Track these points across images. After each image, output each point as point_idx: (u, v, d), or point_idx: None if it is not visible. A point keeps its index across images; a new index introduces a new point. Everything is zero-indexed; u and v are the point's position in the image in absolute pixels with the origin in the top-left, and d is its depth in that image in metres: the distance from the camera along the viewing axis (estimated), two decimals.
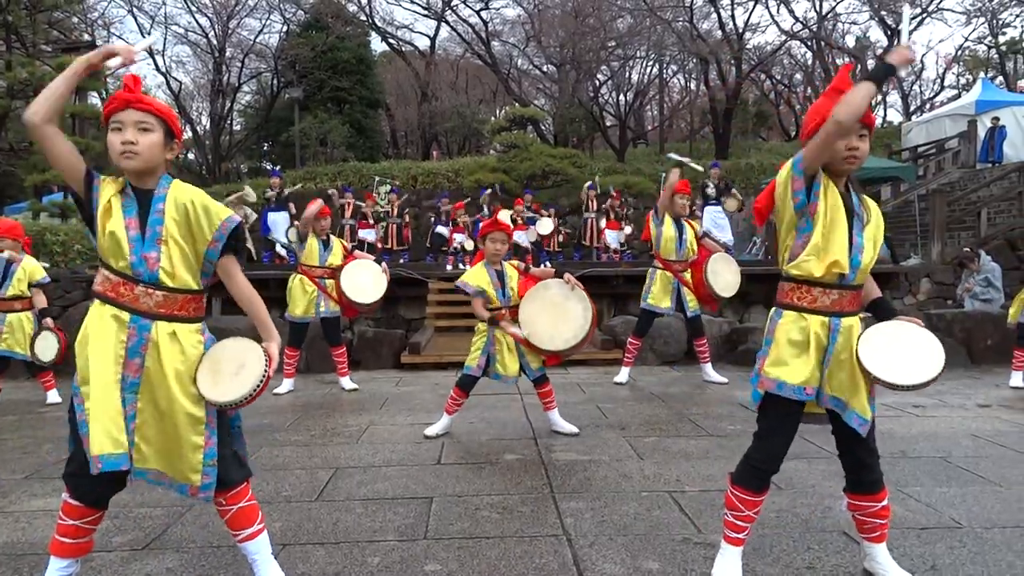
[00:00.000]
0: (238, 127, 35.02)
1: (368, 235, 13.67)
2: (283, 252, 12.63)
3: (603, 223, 14.35)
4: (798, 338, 2.38)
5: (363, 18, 28.43)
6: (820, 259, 2.32)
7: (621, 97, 31.92)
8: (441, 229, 14.33)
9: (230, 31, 26.68)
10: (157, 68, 28.05)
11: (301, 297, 6.20)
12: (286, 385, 6.31)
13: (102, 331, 2.19)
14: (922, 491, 3.47)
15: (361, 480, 3.74)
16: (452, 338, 9.06)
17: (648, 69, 30.94)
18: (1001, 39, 32.12)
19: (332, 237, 6.33)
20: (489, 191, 15.45)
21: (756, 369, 2.48)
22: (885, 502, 2.48)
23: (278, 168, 15.75)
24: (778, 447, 2.44)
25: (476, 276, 4.55)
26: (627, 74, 30.82)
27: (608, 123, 31.62)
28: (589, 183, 15.10)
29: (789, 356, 2.38)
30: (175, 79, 30.28)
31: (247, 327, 7.91)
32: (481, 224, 4.91)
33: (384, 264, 6.20)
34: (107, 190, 2.21)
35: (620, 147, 28.28)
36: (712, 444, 4.40)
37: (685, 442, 4.46)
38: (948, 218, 12.24)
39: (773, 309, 2.50)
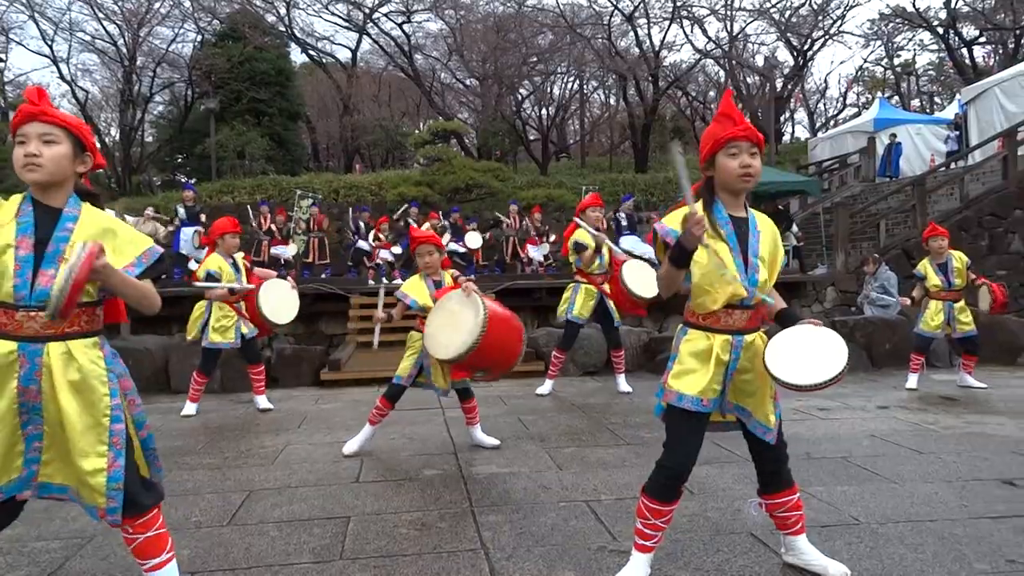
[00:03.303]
0: (150, 138, 33.74)
1: (281, 251, 13.36)
2: (196, 266, 12.22)
3: (525, 237, 14.53)
4: (700, 351, 2.49)
5: (282, 29, 27.90)
6: (715, 293, 2.44)
7: (543, 111, 32.40)
8: (362, 244, 14.17)
9: (141, 39, 25.69)
10: (62, 76, 26.78)
11: (222, 321, 5.97)
12: (190, 408, 6.07)
13: None
14: (824, 490, 3.64)
15: (276, 502, 3.64)
16: (374, 353, 8.92)
17: (569, 84, 31.55)
18: (896, 61, 34.26)
19: (236, 256, 6.04)
20: (414, 208, 15.37)
21: (661, 383, 2.58)
22: (797, 495, 2.64)
23: (191, 182, 15.27)
24: (685, 457, 2.52)
25: (416, 289, 4.50)
26: (549, 89, 31.33)
27: (531, 137, 32.01)
28: (512, 200, 15.31)
29: (689, 369, 2.50)
30: (81, 88, 28.97)
31: (156, 346, 7.63)
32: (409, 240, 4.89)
33: (291, 280, 6.10)
34: None
35: (543, 161, 28.65)
36: (629, 452, 4.49)
37: (603, 451, 4.54)
38: (851, 230, 12.92)
39: (680, 326, 2.61)
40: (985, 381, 6.73)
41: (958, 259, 6.62)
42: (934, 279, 6.62)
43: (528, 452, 4.56)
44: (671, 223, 2.44)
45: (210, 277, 5.81)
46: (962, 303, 6.64)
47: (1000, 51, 28.84)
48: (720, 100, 2.72)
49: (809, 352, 2.41)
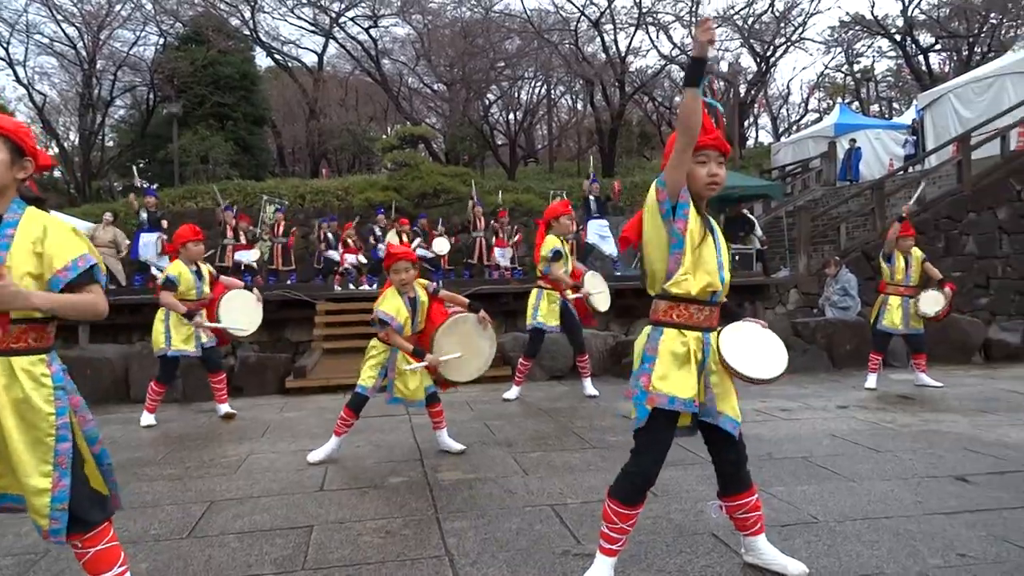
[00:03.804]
0: (111, 143, 33.05)
1: (244, 256, 13.17)
2: (157, 274, 11.98)
3: (492, 241, 14.53)
4: (681, 352, 2.50)
5: (246, 33, 27.55)
6: (696, 278, 2.48)
7: (511, 116, 32.43)
8: (331, 254, 14.05)
9: (101, 42, 25.15)
10: (18, 79, 26.14)
11: (181, 329, 5.89)
12: (148, 419, 5.95)
13: None
14: (784, 490, 3.70)
15: (238, 512, 3.60)
16: (341, 360, 8.88)
17: (536, 89, 31.59)
18: (856, 67, 35.02)
19: (200, 264, 5.96)
20: (380, 216, 15.30)
21: (641, 387, 2.53)
22: (756, 496, 2.69)
23: (153, 187, 14.98)
24: (655, 462, 2.54)
25: (393, 306, 4.45)
26: (516, 94, 31.35)
27: (499, 142, 32.03)
28: (473, 197, 15.26)
29: (674, 371, 2.49)
30: (39, 92, 28.27)
31: (116, 355, 7.49)
32: (383, 254, 4.84)
33: (256, 291, 6.02)
34: None
35: (511, 165, 28.68)
36: (595, 456, 4.52)
37: (569, 455, 4.56)
38: (812, 233, 13.13)
39: (650, 327, 2.60)
40: (940, 379, 6.90)
41: (916, 257, 6.81)
42: (900, 272, 6.77)
43: (494, 457, 4.57)
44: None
45: (168, 282, 5.75)
46: (914, 301, 6.80)
47: (955, 58, 29.63)
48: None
49: (757, 348, 2.57)
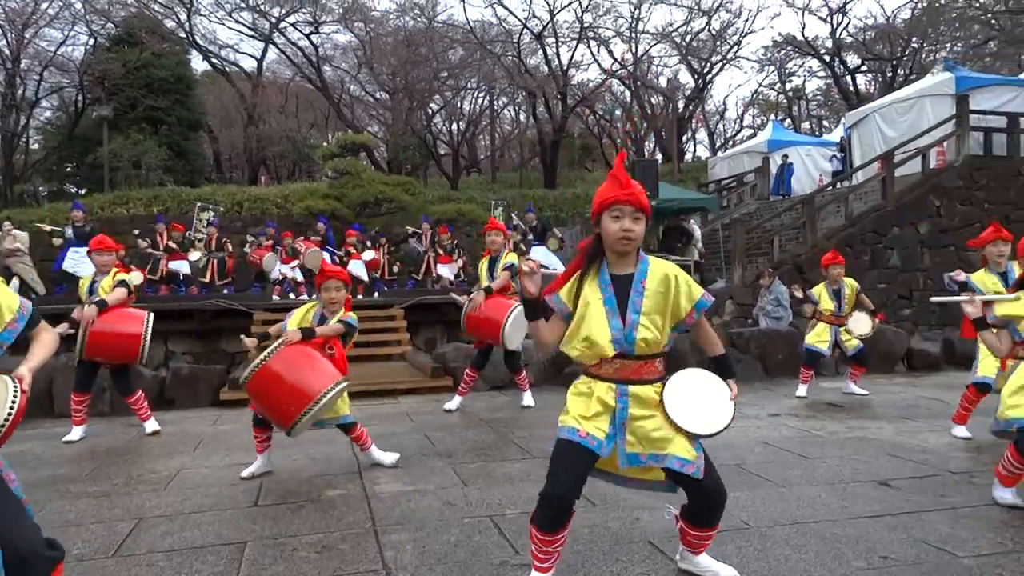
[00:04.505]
0: (36, 146, 31.72)
1: (178, 266, 12.81)
2: None
3: (435, 256, 14.48)
4: (584, 392, 2.60)
5: (182, 35, 26.86)
6: (583, 349, 2.55)
7: (454, 126, 32.40)
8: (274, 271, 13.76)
9: (26, 41, 24.16)
10: None
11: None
12: (76, 432, 5.72)
13: None
14: None
15: (167, 530, 3.48)
16: None
17: (479, 100, 31.65)
18: (788, 86, 36.29)
19: (106, 277, 5.73)
20: (321, 224, 15.09)
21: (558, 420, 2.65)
22: (714, 531, 2.70)
23: (81, 195, 14.45)
24: (564, 488, 2.51)
25: (297, 317, 4.43)
26: (459, 104, 31.36)
27: (441, 151, 31.95)
28: (424, 216, 15.30)
29: (577, 410, 2.58)
30: None
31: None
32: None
33: (145, 313, 5.79)
34: None
35: (453, 175, 28.66)
36: (535, 466, 4.53)
37: (509, 465, 4.57)
38: (747, 245, 13.51)
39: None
40: (866, 388, 7.18)
41: (850, 287, 7.04)
42: (828, 302, 7.03)
43: (434, 469, 4.54)
44: (561, 295, 2.61)
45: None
46: (844, 328, 7.05)
47: (879, 79, 30.98)
48: (616, 159, 2.80)
49: (702, 399, 2.55)
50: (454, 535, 3.31)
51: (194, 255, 13.12)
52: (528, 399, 6.70)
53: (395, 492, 4.04)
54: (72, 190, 22.47)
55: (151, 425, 5.93)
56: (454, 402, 6.63)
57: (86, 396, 5.83)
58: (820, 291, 7.12)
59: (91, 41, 26.57)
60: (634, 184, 2.52)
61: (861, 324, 6.91)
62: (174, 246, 13.16)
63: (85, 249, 11.71)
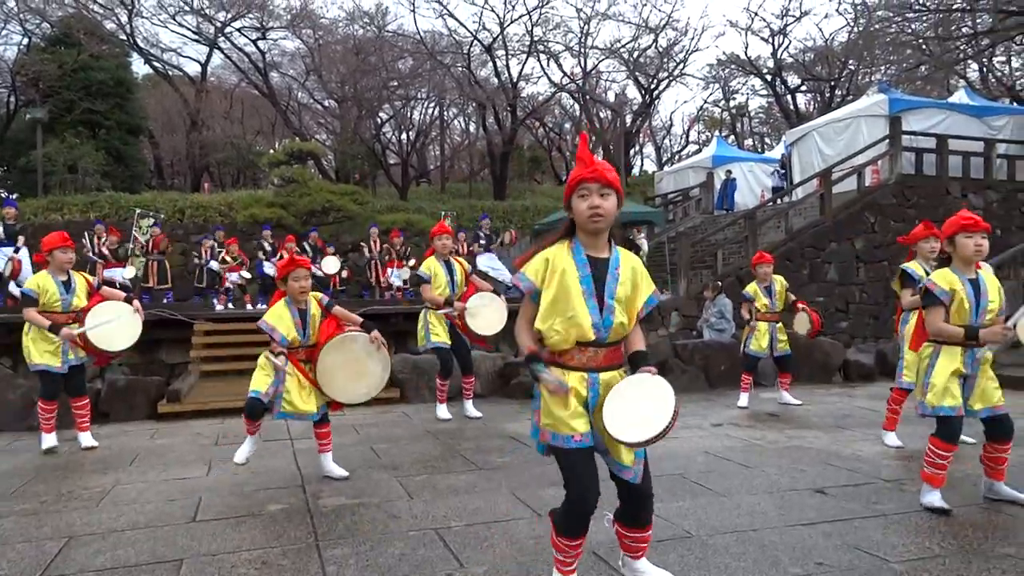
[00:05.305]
0: None
1: (114, 274, 12.42)
2: (16, 291, 11.04)
3: (385, 261, 14.43)
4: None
5: (123, 37, 26.14)
6: (564, 328, 2.49)
7: (403, 136, 32.28)
8: (213, 264, 13.48)
9: None
10: None
11: (44, 343, 5.45)
12: (49, 440, 5.52)
13: None
14: (661, 507, 3.82)
15: (99, 548, 3.36)
16: (219, 383, 8.50)
17: (429, 110, 31.64)
18: (732, 103, 37.30)
19: (74, 274, 5.58)
20: (266, 231, 14.85)
21: (534, 423, 2.61)
22: (650, 533, 2.70)
23: (13, 197, 13.89)
24: (584, 489, 2.50)
25: (279, 317, 4.35)
26: (409, 114, 31.30)
27: (391, 161, 31.79)
28: (372, 224, 15.19)
29: (556, 409, 2.51)
30: None
31: None
32: (277, 264, 4.64)
33: (136, 302, 5.65)
34: None
35: (403, 185, 28.52)
36: (480, 478, 4.53)
37: (455, 477, 4.55)
38: (692, 258, 13.80)
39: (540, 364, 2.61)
40: (803, 398, 7.39)
41: (779, 283, 7.33)
42: (762, 299, 7.25)
43: (379, 481, 4.49)
44: (528, 273, 2.56)
45: (26, 296, 5.37)
46: (781, 324, 7.32)
47: (818, 99, 32.10)
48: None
49: (641, 405, 2.45)
50: (398, 549, 3.28)
51: (130, 271, 12.71)
52: (472, 409, 6.70)
53: (338, 506, 3.99)
54: (3, 195, 21.44)
55: (87, 439, 5.71)
56: (442, 411, 6.63)
57: (54, 403, 5.62)
58: (754, 290, 7.35)
59: (25, 41, 25.66)
60: (599, 162, 2.53)
61: (802, 323, 7.16)
62: (107, 252, 12.76)
63: (9, 249, 11.29)
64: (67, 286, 5.49)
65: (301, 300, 4.43)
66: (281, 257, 12.52)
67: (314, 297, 4.51)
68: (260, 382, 4.44)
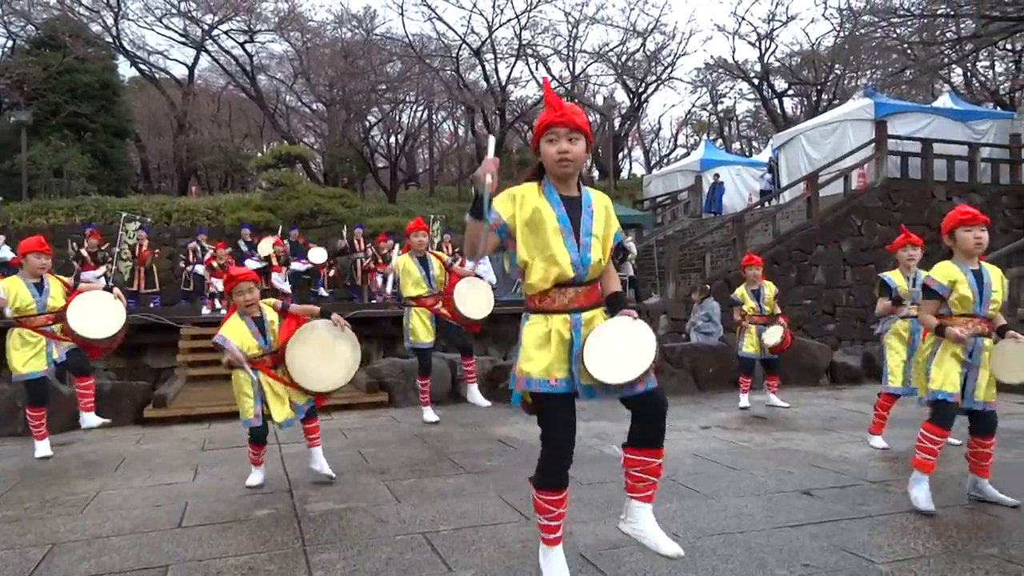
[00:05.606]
0: None
1: (88, 277, 12.33)
2: None
3: (372, 265, 14.38)
4: (541, 334, 2.55)
5: (108, 40, 25.96)
6: (544, 267, 2.50)
7: (392, 139, 32.24)
8: (199, 268, 13.41)
9: None
10: None
11: (25, 349, 5.42)
12: (43, 449, 5.48)
13: None
14: None
15: (83, 555, 3.33)
16: (207, 388, 8.45)
17: (418, 113, 31.59)
18: (720, 107, 37.48)
19: (47, 277, 5.55)
20: (245, 229, 14.80)
21: (513, 373, 2.62)
22: (659, 461, 2.62)
23: None
24: (561, 437, 2.52)
25: (233, 329, 4.32)
26: (397, 117, 31.23)
27: (379, 164, 31.71)
28: (358, 225, 15.13)
29: (534, 353, 2.53)
30: None
31: None
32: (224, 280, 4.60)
33: (117, 290, 5.64)
34: None
35: (391, 188, 28.45)
36: (468, 481, 4.52)
37: (443, 481, 4.54)
38: (680, 261, 13.87)
39: (523, 314, 2.65)
40: (790, 401, 7.43)
41: (769, 288, 7.35)
42: (749, 303, 7.29)
43: (367, 486, 4.48)
44: (496, 206, 2.54)
45: None
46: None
47: (805, 103, 32.32)
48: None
49: (624, 346, 2.49)
50: (386, 553, 3.27)
51: (99, 271, 12.62)
52: (477, 395, 6.69)
53: (326, 510, 3.97)
54: None
55: (92, 419, 5.76)
56: (429, 413, 6.63)
57: (44, 409, 5.59)
58: (742, 293, 7.39)
59: (9, 43, 25.47)
60: (567, 105, 2.54)
61: (773, 335, 7.17)
62: (85, 255, 12.67)
63: None
64: (39, 288, 5.49)
65: (251, 312, 4.40)
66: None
67: (267, 304, 4.50)
68: (247, 409, 4.37)
